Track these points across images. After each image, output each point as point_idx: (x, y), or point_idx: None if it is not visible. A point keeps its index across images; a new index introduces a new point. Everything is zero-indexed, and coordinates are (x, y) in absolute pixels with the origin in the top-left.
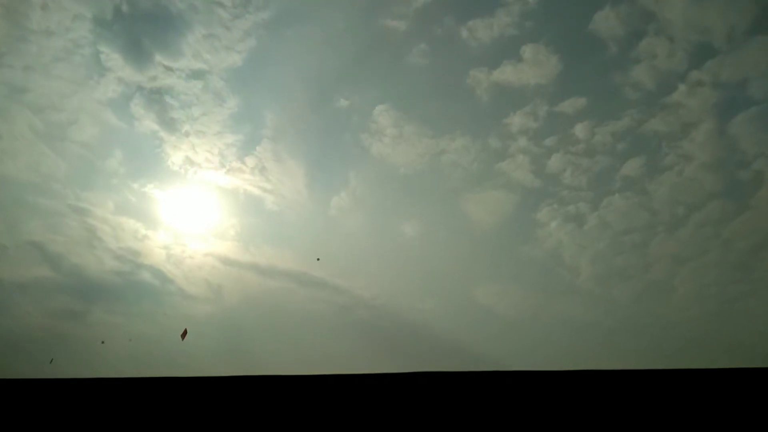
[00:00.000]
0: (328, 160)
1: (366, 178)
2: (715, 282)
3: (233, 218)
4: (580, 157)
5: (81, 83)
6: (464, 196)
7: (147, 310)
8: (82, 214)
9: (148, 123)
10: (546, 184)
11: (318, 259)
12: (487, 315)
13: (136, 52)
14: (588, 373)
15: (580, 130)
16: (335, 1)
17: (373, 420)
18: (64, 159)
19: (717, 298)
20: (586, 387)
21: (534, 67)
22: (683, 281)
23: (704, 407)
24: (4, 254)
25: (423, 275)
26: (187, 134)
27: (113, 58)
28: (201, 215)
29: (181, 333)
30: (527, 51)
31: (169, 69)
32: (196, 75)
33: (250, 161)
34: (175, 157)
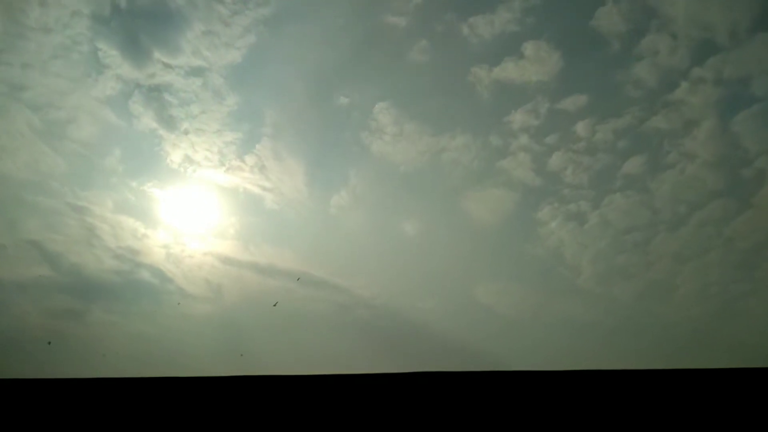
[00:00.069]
0: (328, 158)
1: (366, 177)
2: (717, 281)
3: (233, 217)
4: (582, 155)
5: (79, 81)
6: (465, 195)
7: (146, 310)
8: (81, 212)
9: (146, 121)
10: (547, 183)
11: (298, 279)
12: (488, 314)
13: (135, 49)
14: (588, 373)
15: (581, 127)
16: None
17: (373, 420)
18: (62, 157)
19: (718, 298)
20: (586, 387)
21: (535, 64)
22: (685, 280)
23: (704, 407)
24: (3, 253)
25: (423, 274)
26: (186, 132)
27: (111, 55)
28: (200, 214)
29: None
30: (528, 48)
31: (167, 66)
32: (195, 72)
33: (250, 159)
34: (175, 155)
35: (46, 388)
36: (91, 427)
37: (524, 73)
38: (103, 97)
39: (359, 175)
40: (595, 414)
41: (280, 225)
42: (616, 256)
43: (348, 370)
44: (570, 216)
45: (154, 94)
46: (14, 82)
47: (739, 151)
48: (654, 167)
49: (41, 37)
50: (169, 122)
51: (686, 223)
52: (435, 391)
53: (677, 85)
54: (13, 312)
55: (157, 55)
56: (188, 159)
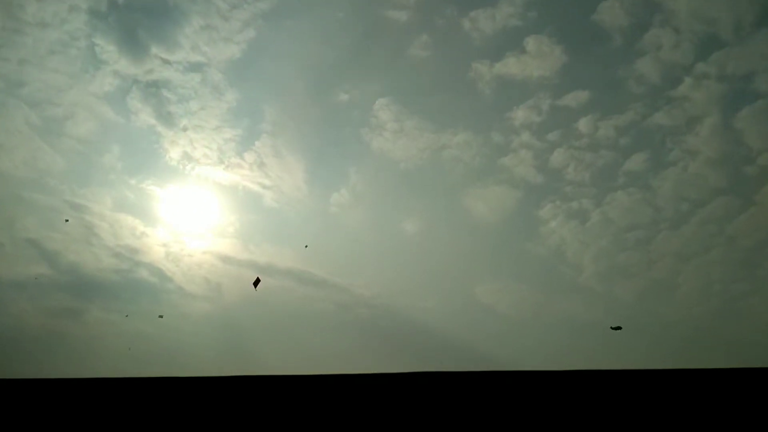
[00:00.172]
0: (327, 155)
1: (366, 174)
2: (719, 280)
3: (232, 215)
4: (584, 152)
5: (77, 77)
6: (466, 193)
7: (145, 309)
8: (79, 210)
9: (145, 117)
10: (549, 180)
11: (306, 246)
12: (488, 313)
13: (132, 44)
14: (588, 373)
15: (583, 124)
16: None
17: (373, 420)
18: (60, 154)
19: (720, 297)
20: (586, 387)
21: (537, 59)
22: (686, 279)
23: (704, 407)
24: (1, 251)
25: (423, 273)
26: (185, 129)
27: (109, 50)
28: (200, 212)
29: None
30: (530, 43)
31: (166, 62)
32: (194, 68)
33: (249, 157)
34: (173, 152)
35: (45, 388)
36: (91, 427)
37: (526, 68)
38: (101, 93)
39: (359, 173)
40: (595, 414)
41: (280, 223)
42: (617, 255)
43: (348, 370)
44: (572, 214)
45: (152, 90)
46: (11, 78)
47: (741, 148)
48: (656, 164)
49: (38, 32)
50: (168, 119)
51: (688, 221)
52: (435, 391)
53: (680, 81)
54: (11, 311)
55: (154, 50)
56: (187, 156)
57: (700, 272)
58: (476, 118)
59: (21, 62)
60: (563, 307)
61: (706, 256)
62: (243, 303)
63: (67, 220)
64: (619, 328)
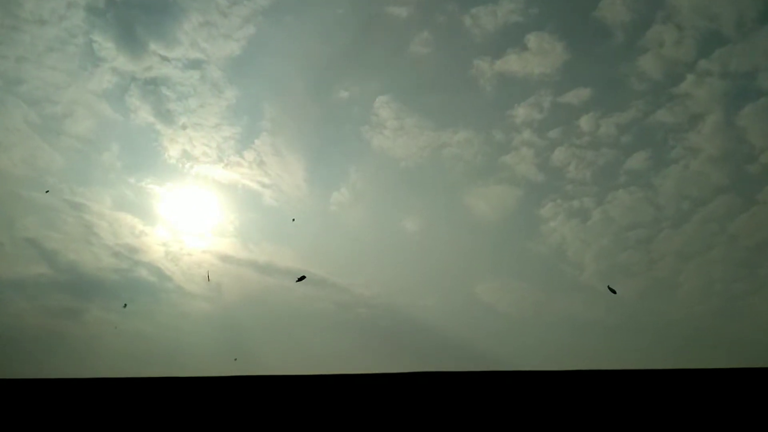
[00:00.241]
0: (327, 153)
1: (366, 173)
2: (720, 279)
3: (232, 214)
4: (585, 149)
5: (75, 74)
6: (466, 191)
7: (145, 308)
8: (78, 209)
9: (144, 115)
10: (550, 178)
11: (293, 220)
12: (489, 312)
13: (130, 41)
14: (588, 373)
15: (585, 121)
16: None
17: (373, 420)
18: (59, 153)
19: (722, 296)
20: (587, 387)
21: (538, 56)
22: (687, 278)
23: (704, 407)
24: (0, 251)
25: (424, 272)
26: (184, 127)
27: (106, 47)
28: (199, 211)
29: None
30: (532, 39)
31: (164, 59)
32: (193, 65)
33: (249, 155)
34: (172, 150)
35: (44, 388)
36: (90, 427)
37: (527, 65)
38: (99, 90)
39: (359, 171)
40: (596, 414)
41: (280, 222)
42: (618, 254)
43: (348, 370)
44: (573, 212)
45: (151, 88)
46: (10, 76)
47: (744, 146)
48: (658, 162)
49: (36, 29)
50: (167, 116)
51: (689, 220)
52: (435, 391)
53: (683, 78)
54: (9, 310)
55: (153, 47)
56: (186, 154)
57: (701, 271)
58: (477, 115)
59: (18, 60)
60: (564, 305)
61: (707, 255)
62: (242, 302)
63: (47, 191)
64: (614, 291)
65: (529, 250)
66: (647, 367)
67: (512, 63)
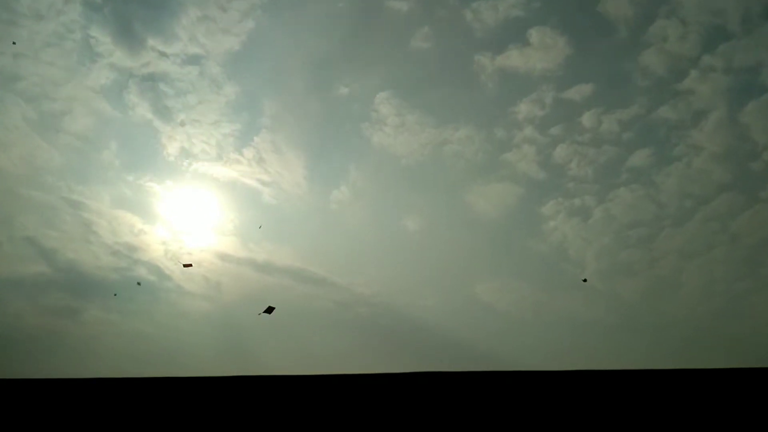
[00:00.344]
0: (327, 150)
1: (366, 170)
2: (722, 278)
3: (231, 213)
4: (587, 147)
5: (73, 70)
6: (468, 189)
7: (144, 308)
8: (77, 207)
9: (142, 112)
10: (551, 176)
11: (260, 227)
12: (489, 312)
13: (128, 36)
14: (588, 373)
15: (587, 118)
16: None
17: (373, 420)
18: (58, 150)
19: (723, 295)
20: (587, 387)
21: (540, 51)
22: (689, 277)
23: (704, 407)
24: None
25: (424, 271)
26: (182, 124)
27: (104, 42)
28: (198, 209)
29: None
30: (533, 34)
31: (162, 54)
32: (192, 60)
33: (248, 153)
34: (171, 148)
35: (43, 389)
36: (90, 427)
37: (529, 61)
38: (97, 87)
39: (360, 169)
40: (596, 414)
41: (279, 221)
42: (620, 252)
43: (348, 370)
44: (574, 211)
45: (149, 84)
46: (7, 72)
47: (747, 143)
48: (660, 160)
49: (33, 24)
50: (165, 113)
51: (691, 218)
52: (435, 391)
53: (686, 74)
54: (8, 310)
55: (151, 42)
56: (185, 152)
57: (703, 270)
58: (478, 112)
59: (16, 55)
60: (564, 304)
61: (709, 254)
62: (242, 301)
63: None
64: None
65: (530, 249)
66: (647, 367)
67: (514, 58)
